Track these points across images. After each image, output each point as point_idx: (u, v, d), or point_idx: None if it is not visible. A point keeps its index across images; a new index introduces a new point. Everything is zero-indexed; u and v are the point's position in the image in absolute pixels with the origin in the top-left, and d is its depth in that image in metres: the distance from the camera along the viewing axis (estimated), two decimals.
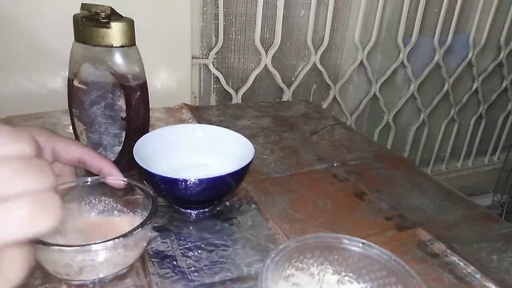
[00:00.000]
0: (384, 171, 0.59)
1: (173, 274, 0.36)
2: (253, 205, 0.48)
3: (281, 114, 0.78)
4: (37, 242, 0.29)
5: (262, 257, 0.39)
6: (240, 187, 0.50)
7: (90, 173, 0.41)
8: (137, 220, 0.37)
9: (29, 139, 0.20)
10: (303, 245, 0.33)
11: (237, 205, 0.48)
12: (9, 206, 0.18)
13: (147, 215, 0.35)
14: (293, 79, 1.07)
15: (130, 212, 0.39)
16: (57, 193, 0.20)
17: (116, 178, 0.39)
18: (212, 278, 0.36)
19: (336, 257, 0.34)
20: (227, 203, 0.48)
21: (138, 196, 0.39)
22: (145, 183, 0.40)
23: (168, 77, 0.84)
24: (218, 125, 0.52)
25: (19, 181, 0.19)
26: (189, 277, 0.36)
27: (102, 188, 0.39)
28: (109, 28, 0.43)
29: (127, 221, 0.39)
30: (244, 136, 0.49)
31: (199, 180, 0.40)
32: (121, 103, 0.47)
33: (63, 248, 0.30)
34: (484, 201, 1.51)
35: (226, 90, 0.98)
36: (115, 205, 0.40)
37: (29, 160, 0.20)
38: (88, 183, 0.39)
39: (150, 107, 0.50)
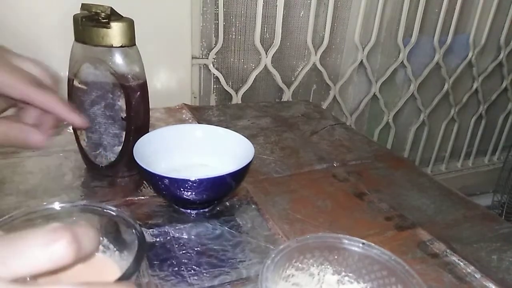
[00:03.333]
0: (384, 171, 0.59)
1: (173, 277, 0.36)
2: (253, 205, 0.48)
3: (281, 114, 0.78)
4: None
5: (262, 258, 0.39)
6: (240, 187, 0.50)
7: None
8: (124, 259, 0.29)
9: (69, 239, 0.19)
10: (303, 245, 0.33)
11: (237, 205, 0.47)
12: None
13: (134, 254, 0.26)
14: (293, 79, 1.07)
15: (117, 251, 0.30)
16: None
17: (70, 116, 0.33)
18: (211, 281, 0.36)
19: (336, 257, 0.33)
20: (227, 203, 0.48)
21: (123, 232, 0.30)
22: (145, 185, 0.40)
23: (168, 77, 0.84)
24: (218, 125, 0.52)
25: None
26: (189, 280, 0.36)
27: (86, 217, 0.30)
28: (109, 28, 0.43)
29: (112, 261, 0.30)
30: (244, 136, 0.49)
31: (199, 180, 0.40)
32: (121, 103, 0.47)
33: None
34: (484, 201, 1.50)
35: (226, 90, 0.98)
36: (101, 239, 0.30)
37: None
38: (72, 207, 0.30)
39: (150, 107, 0.50)
